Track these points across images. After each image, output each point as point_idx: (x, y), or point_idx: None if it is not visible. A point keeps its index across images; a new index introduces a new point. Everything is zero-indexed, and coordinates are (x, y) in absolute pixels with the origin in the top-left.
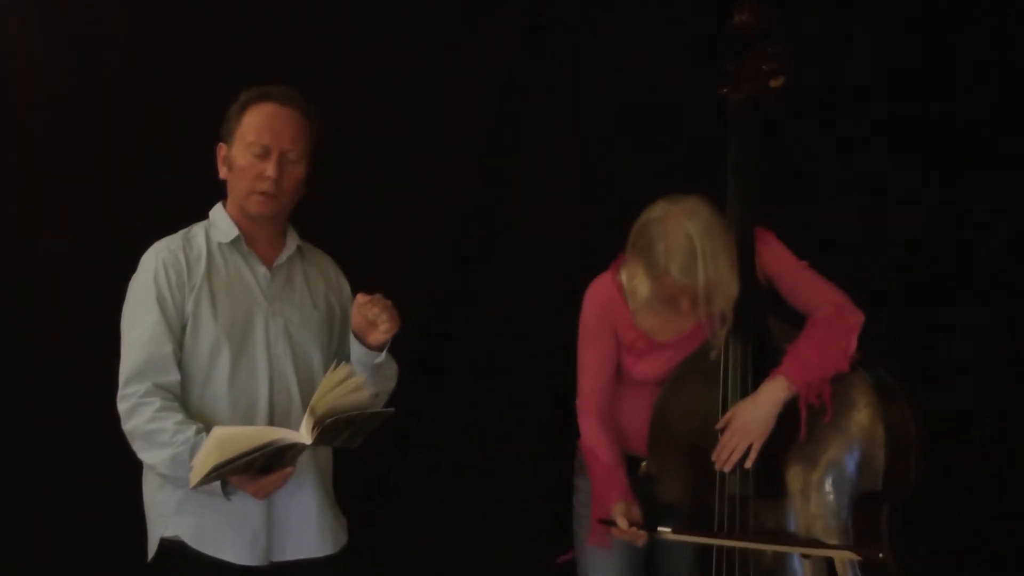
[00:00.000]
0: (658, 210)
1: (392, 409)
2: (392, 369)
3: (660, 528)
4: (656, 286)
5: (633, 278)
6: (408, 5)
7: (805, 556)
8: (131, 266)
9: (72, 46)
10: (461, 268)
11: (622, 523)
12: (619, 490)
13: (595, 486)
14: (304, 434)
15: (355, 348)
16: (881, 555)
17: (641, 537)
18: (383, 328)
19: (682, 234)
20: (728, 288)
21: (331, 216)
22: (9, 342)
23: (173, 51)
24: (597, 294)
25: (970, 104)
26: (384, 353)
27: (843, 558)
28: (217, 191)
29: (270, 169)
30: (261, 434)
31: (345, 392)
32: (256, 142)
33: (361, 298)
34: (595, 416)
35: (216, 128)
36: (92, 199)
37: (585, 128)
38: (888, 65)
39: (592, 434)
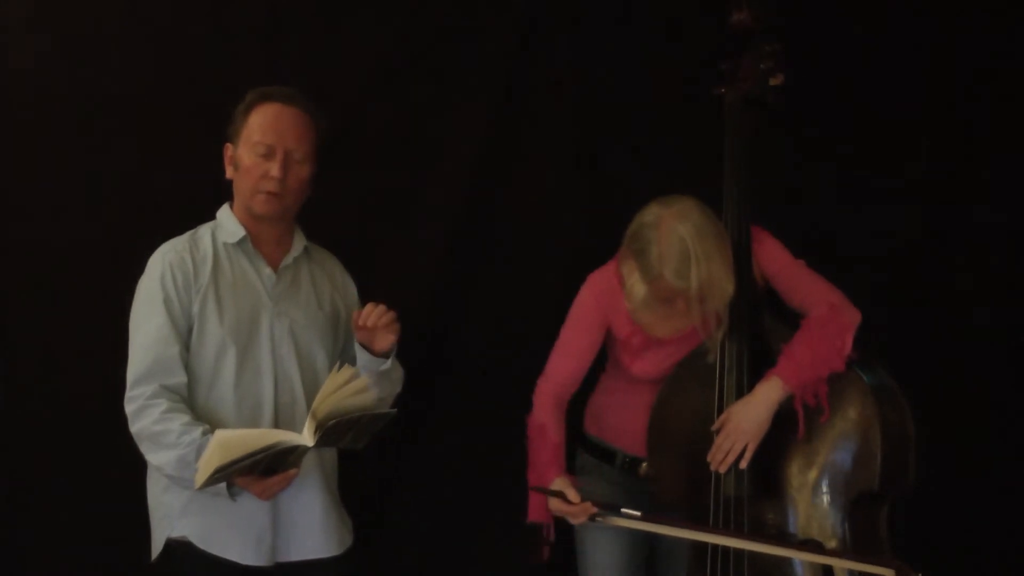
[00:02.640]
0: (650, 214)
1: (395, 410)
2: (398, 374)
3: (625, 511)
4: (652, 288)
5: (630, 278)
6: (408, 5)
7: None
8: (131, 266)
9: (72, 46)
10: (462, 268)
11: (572, 496)
12: (560, 467)
13: (536, 461)
14: (306, 436)
15: (361, 355)
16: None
17: (587, 511)
18: (385, 333)
19: (675, 238)
20: (722, 288)
21: (331, 216)
22: (10, 342)
23: (173, 51)
24: (598, 283)
25: (970, 104)
26: (391, 360)
27: (842, 566)
28: (218, 191)
29: (275, 169)
30: (263, 436)
31: (348, 394)
32: (261, 142)
33: (370, 307)
34: (554, 398)
35: (217, 128)
36: (92, 199)
37: (585, 128)
38: (887, 63)
39: (547, 413)
